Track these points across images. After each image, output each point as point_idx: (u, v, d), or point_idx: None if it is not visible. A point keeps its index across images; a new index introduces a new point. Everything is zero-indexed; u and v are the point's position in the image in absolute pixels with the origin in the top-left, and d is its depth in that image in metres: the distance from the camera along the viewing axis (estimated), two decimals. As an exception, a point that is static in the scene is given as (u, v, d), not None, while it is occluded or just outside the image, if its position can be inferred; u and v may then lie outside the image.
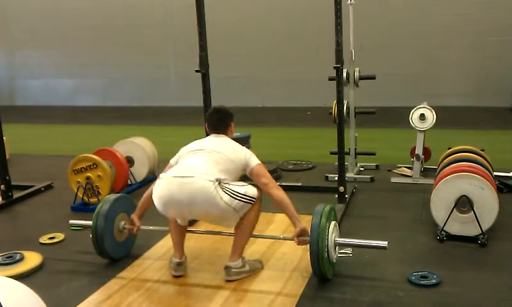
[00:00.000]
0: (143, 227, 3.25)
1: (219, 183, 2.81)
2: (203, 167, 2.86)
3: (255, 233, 3.06)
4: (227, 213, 2.86)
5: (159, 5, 10.02)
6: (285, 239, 3.15)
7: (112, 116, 9.58)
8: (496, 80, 8.37)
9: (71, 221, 3.59)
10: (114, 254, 3.28)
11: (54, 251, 3.52)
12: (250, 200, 2.93)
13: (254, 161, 3.03)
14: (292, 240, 2.93)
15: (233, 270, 2.97)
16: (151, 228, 3.36)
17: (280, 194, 2.97)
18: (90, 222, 3.24)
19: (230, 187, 2.85)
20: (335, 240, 2.93)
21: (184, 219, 3.04)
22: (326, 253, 2.83)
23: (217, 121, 3.17)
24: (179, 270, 3.07)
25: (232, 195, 2.84)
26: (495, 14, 8.24)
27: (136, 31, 9.99)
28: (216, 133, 3.15)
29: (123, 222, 3.31)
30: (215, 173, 2.83)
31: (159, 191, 2.89)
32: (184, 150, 3.11)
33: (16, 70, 11.74)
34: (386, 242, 2.88)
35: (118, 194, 3.40)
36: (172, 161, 3.11)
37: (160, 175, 2.97)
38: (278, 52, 9.15)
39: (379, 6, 8.47)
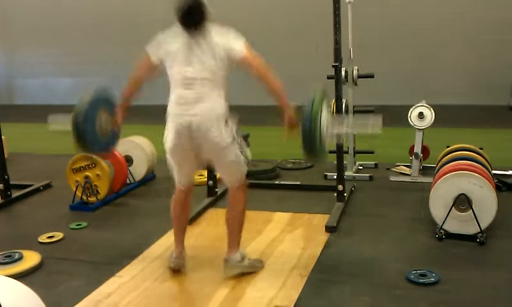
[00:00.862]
0: (125, 125, 3.19)
1: (224, 118, 2.77)
2: (204, 94, 2.75)
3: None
4: (229, 151, 2.82)
5: (158, 3, 10.00)
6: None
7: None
8: (495, 78, 8.37)
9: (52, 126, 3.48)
10: (96, 146, 3.20)
11: (53, 250, 3.51)
12: (246, 157, 2.90)
13: (239, 52, 2.76)
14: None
15: (231, 263, 2.97)
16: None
17: (265, 70, 2.83)
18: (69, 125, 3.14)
19: (237, 134, 2.85)
20: (327, 127, 2.86)
21: (188, 162, 2.94)
22: (319, 138, 2.77)
23: (192, 18, 2.75)
24: (178, 265, 3.09)
25: (237, 142, 2.84)
26: (493, 12, 8.23)
27: (135, 29, 9.96)
28: (188, 30, 2.77)
29: (104, 117, 3.19)
30: (220, 103, 2.79)
31: (169, 138, 2.86)
32: (173, 71, 2.84)
33: (15, 69, 11.72)
34: (379, 127, 2.86)
35: (97, 91, 3.29)
36: (152, 55, 2.91)
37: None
38: (277, 50, 9.13)
39: (377, 4, 8.46)
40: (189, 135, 2.77)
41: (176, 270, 3.07)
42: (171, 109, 2.86)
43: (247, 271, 3.00)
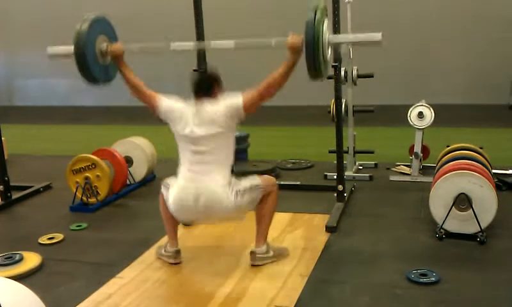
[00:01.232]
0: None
1: (229, 185, 2.91)
2: (210, 171, 2.91)
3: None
4: (241, 210, 3.00)
5: (157, 4, 10.00)
6: (278, 44, 3.01)
7: (111, 116, 9.56)
8: (495, 77, 8.36)
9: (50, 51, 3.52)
10: (97, 74, 3.24)
11: (53, 252, 3.51)
12: (257, 188, 3.01)
13: (238, 101, 2.92)
14: (285, 41, 2.88)
15: (258, 255, 3.10)
16: (136, 46, 3.38)
17: (266, 81, 2.92)
18: (71, 47, 3.18)
19: (239, 185, 2.95)
20: (328, 37, 2.91)
21: (190, 221, 3.25)
22: (322, 51, 2.80)
23: (203, 87, 3.01)
24: (178, 258, 3.19)
25: (242, 193, 2.94)
26: (493, 11, 8.23)
27: (134, 30, 9.96)
28: (199, 99, 2.98)
29: (105, 44, 3.27)
30: (223, 172, 2.92)
31: (175, 201, 2.96)
32: (179, 129, 2.99)
33: (15, 70, 11.72)
34: (380, 34, 2.86)
35: (97, 16, 3.33)
36: (163, 104, 3.06)
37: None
38: (276, 50, 9.14)
39: (377, 4, 8.46)
40: (194, 205, 2.91)
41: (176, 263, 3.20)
42: (180, 178, 2.99)
43: (274, 260, 3.13)
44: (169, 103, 3.06)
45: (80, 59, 3.16)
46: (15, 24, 11.29)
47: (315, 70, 2.81)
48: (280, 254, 3.19)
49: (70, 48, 3.19)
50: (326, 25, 2.92)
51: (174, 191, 2.97)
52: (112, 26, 3.44)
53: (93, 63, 3.21)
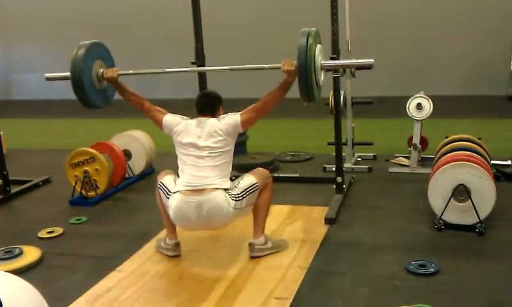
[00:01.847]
0: (121, 76, 3.34)
1: (228, 192, 2.96)
2: (212, 177, 2.96)
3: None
4: (241, 214, 3.08)
5: (157, 28, 9.98)
6: (271, 68, 3.13)
7: (110, 109, 9.51)
8: (493, 68, 8.36)
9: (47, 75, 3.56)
10: (94, 99, 3.34)
11: (53, 245, 3.52)
12: (254, 188, 3.04)
13: (236, 117, 3.06)
14: (279, 68, 3.03)
15: (256, 246, 3.13)
16: (130, 71, 3.41)
17: (263, 99, 3.08)
18: (68, 73, 3.24)
19: (236, 188, 3.01)
20: (321, 63, 3.02)
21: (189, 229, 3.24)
22: (314, 76, 2.91)
23: (206, 105, 3.17)
24: (177, 250, 3.22)
25: (241, 197, 2.99)
26: (491, 2, 8.21)
27: (133, 24, 9.94)
28: (203, 116, 3.12)
29: (101, 70, 3.33)
30: (223, 180, 2.99)
31: (176, 211, 2.97)
32: (181, 138, 3.08)
33: (13, 64, 11.69)
34: (372, 60, 2.99)
35: (93, 41, 3.38)
36: (167, 120, 3.16)
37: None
38: (274, 42, 9.13)
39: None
40: (197, 215, 2.93)
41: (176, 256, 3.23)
42: (180, 185, 3.01)
43: (272, 252, 3.15)
44: (172, 118, 3.17)
45: (77, 85, 3.20)
46: (13, 18, 11.25)
47: (307, 94, 2.93)
48: (279, 246, 3.21)
49: (67, 74, 3.23)
50: (319, 50, 3.01)
51: (175, 201, 2.97)
52: (109, 51, 3.48)
53: (90, 89, 3.26)
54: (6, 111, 9.47)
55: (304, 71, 2.86)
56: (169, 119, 3.17)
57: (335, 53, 3.90)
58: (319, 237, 3.38)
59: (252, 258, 3.12)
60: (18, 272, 2.90)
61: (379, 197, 4.14)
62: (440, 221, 3.37)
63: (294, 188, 4.44)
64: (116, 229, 3.79)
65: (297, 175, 4.77)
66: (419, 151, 4.71)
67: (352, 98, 4.93)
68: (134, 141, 4.95)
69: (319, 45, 3.02)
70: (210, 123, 3.06)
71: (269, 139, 6.36)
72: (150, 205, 4.15)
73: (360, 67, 3.09)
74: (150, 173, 5.07)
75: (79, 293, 2.83)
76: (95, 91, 3.31)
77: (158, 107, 3.27)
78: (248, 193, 3.02)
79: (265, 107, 3.08)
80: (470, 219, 3.32)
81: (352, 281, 2.82)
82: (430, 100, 4.61)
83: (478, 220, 3.29)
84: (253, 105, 3.08)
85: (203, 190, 2.92)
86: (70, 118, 9.05)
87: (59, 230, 3.74)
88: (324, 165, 4.94)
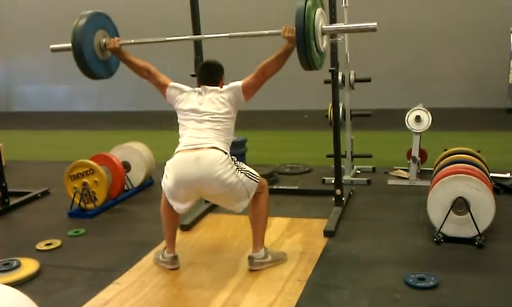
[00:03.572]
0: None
1: (229, 158, 2.93)
2: (211, 138, 2.95)
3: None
4: (238, 188, 2.94)
5: (155, 9, 10.02)
6: (271, 34, 3.08)
7: (109, 121, 9.57)
8: (491, 81, 8.40)
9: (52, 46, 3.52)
10: (97, 70, 3.30)
11: (51, 258, 3.51)
12: (255, 178, 3.02)
13: (237, 84, 3.06)
14: (279, 34, 2.97)
15: (256, 260, 3.11)
16: (132, 40, 3.37)
17: (262, 63, 3.04)
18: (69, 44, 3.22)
19: (238, 163, 3.00)
20: (322, 27, 2.90)
21: (187, 199, 3.04)
22: (314, 42, 2.79)
23: (208, 75, 3.15)
24: (176, 263, 3.19)
25: (241, 170, 2.96)
26: (488, 16, 8.27)
27: (132, 35, 9.97)
28: (204, 85, 3.12)
29: (104, 40, 3.31)
30: (223, 144, 2.97)
31: (174, 167, 2.93)
32: (182, 105, 3.09)
33: (13, 76, 11.72)
34: (376, 23, 2.90)
35: (95, 11, 3.34)
36: (171, 89, 3.17)
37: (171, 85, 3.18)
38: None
39: (373, 8, 8.48)
40: (195, 169, 2.88)
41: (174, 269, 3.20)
42: (180, 146, 3.01)
43: (272, 265, 3.13)
44: (176, 86, 3.18)
45: (78, 56, 3.18)
46: (13, 31, 11.29)
47: (306, 61, 2.82)
48: (279, 259, 3.19)
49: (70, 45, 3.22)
50: (319, 14, 2.89)
51: (173, 158, 2.96)
52: (112, 21, 3.44)
53: (92, 59, 3.23)
54: (6, 123, 9.49)
55: (303, 36, 2.74)
56: (173, 88, 3.17)
57: (334, 66, 3.92)
58: (318, 250, 3.37)
59: (251, 271, 3.10)
60: (16, 284, 2.88)
61: (378, 210, 4.13)
62: (439, 234, 3.37)
63: (293, 201, 4.43)
64: (115, 241, 3.78)
65: (296, 187, 4.76)
66: (418, 163, 4.71)
67: (351, 110, 4.94)
68: (134, 152, 4.95)
69: (319, 9, 2.92)
70: (212, 91, 3.07)
71: (268, 151, 6.37)
72: (149, 217, 4.16)
73: (363, 30, 3.00)
74: (149, 185, 5.07)
75: (77, 306, 2.81)
76: (97, 61, 3.29)
77: (162, 75, 3.27)
78: (246, 173, 2.98)
79: (264, 72, 3.03)
80: (469, 232, 3.31)
81: (352, 294, 2.81)
82: (429, 113, 4.63)
83: (477, 233, 3.28)
84: (253, 72, 3.06)
85: (201, 148, 2.91)
86: (69, 130, 9.07)
87: (57, 242, 3.72)
88: (323, 178, 4.93)
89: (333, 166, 4.08)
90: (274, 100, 9.45)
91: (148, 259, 3.38)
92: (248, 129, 6.63)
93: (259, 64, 3.05)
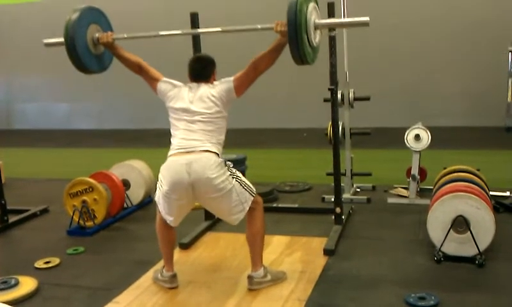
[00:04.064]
0: (117, 40, 3.29)
1: (222, 162, 2.92)
2: (203, 140, 2.94)
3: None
4: (232, 197, 2.92)
5: (155, 28, 10.09)
6: (264, 29, 3.03)
7: (109, 139, 9.59)
8: (490, 100, 8.43)
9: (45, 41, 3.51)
10: (90, 64, 3.28)
11: (50, 276, 3.49)
12: (250, 190, 3.00)
13: (229, 81, 3.01)
14: (272, 29, 2.92)
15: (255, 279, 3.08)
16: (125, 35, 3.35)
17: (254, 59, 2.99)
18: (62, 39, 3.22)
19: (233, 169, 2.99)
20: (314, 21, 2.88)
21: (181, 208, 3.03)
22: (306, 35, 2.77)
23: (200, 70, 3.11)
24: (174, 282, 3.17)
25: (236, 178, 2.95)
26: (487, 35, 8.32)
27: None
28: (197, 82, 3.09)
29: (97, 34, 3.29)
30: (215, 145, 2.96)
31: (167, 171, 2.94)
32: (173, 103, 3.06)
33: (14, 94, 11.76)
34: (368, 18, 2.87)
35: (88, 5, 3.33)
36: (162, 84, 3.14)
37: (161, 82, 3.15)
38: (274, 72, 9.24)
39: (372, 28, 8.54)
40: (187, 173, 2.86)
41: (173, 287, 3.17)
42: (171, 150, 3.01)
43: (271, 284, 3.11)
44: (167, 82, 3.15)
45: (71, 49, 3.17)
46: (14, 49, 11.36)
47: (298, 54, 2.80)
48: (278, 278, 3.17)
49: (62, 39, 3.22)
50: (312, 8, 2.88)
51: (166, 162, 2.96)
52: (106, 16, 3.44)
53: (84, 53, 3.23)
54: (6, 140, 9.50)
55: (294, 29, 2.71)
56: (164, 83, 3.14)
57: (333, 84, 3.94)
58: (318, 269, 3.35)
59: (250, 290, 3.08)
60: (14, 302, 2.87)
61: (378, 228, 4.12)
62: (440, 253, 3.35)
63: (293, 219, 4.42)
64: (114, 259, 3.76)
65: (296, 206, 4.76)
66: (418, 182, 4.71)
67: (350, 128, 4.95)
68: (133, 170, 4.95)
69: (312, 3, 2.90)
70: (203, 88, 3.03)
71: (268, 169, 6.37)
72: (148, 235, 4.14)
73: (355, 24, 2.99)
74: (148, 203, 5.06)
75: (75, 325, 2.79)
76: (89, 55, 3.27)
77: (154, 70, 3.24)
78: (242, 183, 2.96)
79: (256, 68, 2.98)
80: (469, 251, 3.30)
81: (352, 313, 2.79)
82: (428, 131, 4.64)
83: (478, 252, 3.27)
84: (244, 68, 3.01)
85: (193, 151, 2.89)
86: (69, 148, 9.08)
87: (56, 260, 3.71)
88: (323, 196, 4.93)
89: (333, 184, 4.08)
90: (274, 118, 9.50)
91: (146, 278, 3.36)
92: (248, 147, 6.65)
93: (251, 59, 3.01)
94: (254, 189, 3.06)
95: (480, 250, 3.26)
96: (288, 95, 9.22)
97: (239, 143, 6.87)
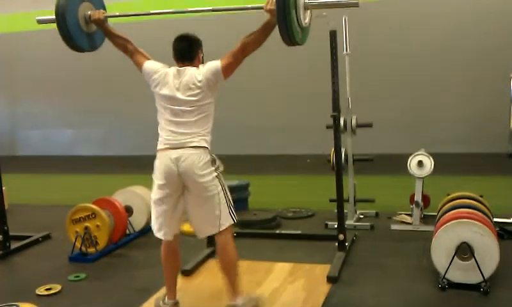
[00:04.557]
0: (110, 20, 3.25)
1: (210, 158, 2.92)
2: (191, 134, 2.91)
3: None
4: (212, 202, 2.92)
5: (156, 55, 10.20)
6: (253, 8, 3.00)
7: (112, 166, 9.60)
8: (493, 126, 8.43)
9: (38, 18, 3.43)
10: (80, 42, 3.25)
11: (51, 303, 3.46)
12: (233, 214, 2.99)
13: (216, 64, 2.93)
14: (262, 8, 2.86)
15: None
16: (117, 13, 3.33)
17: (240, 43, 2.91)
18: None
19: (221, 176, 2.97)
20: (304, 1, 2.84)
21: (173, 206, 3.00)
22: (295, 13, 2.72)
23: (184, 49, 3.01)
24: None
25: (223, 188, 2.95)
26: (488, 61, 8.38)
27: (134, 82, 10.12)
28: (181, 64, 3.00)
29: (89, 12, 3.26)
30: (203, 138, 2.93)
31: (158, 167, 2.94)
32: (158, 89, 3.00)
33: (18, 121, 11.85)
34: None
35: None
36: (146, 66, 3.08)
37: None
38: (276, 99, 9.28)
39: (375, 55, 8.62)
40: (176, 170, 2.88)
41: None
42: (160, 143, 2.98)
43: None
44: (152, 65, 3.08)
45: (62, 27, 3.16)
46: (18, 76, 11.50)
47: (287, 35, 2.75)
48: (258, 301, 3.10)
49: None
50: None
51: (157, 158, 2.96)
52: None
53: (76, 31, 3.22)
54: (9, 167, 9.50)
55: (282, 8, 2.67)
56: (149, 65, 3.07)
57: (336, 111, 3.97)
58: (321, 296, 3.32)
59: None
60: (14, 330, 2.84)
61: (382, 255, 4.09)
62: (444, 280, 3.32)
63: (296, 246, 4.40)
64: (115, 286, 3.74)
65: (299, 232, 4.73)
66: (421, 208, 4.69)
67: (353, 155, 4.96)
68: (136, 196, 4.95)
69: None
70: (189, 73, 2.94)
71: (270, 196, 6.36)
72: (150, 262, 4.12)
73: (345, 5, 2.99)
74: (150, 229, 5.02)
75: (76, 353, 2.76)
76: (80, 33, 3.25)
77: (142, 51, 3.18)
78: (226, 197, 2.96)
79: (244, 49, 2.90)
80: (474, 278, 3.27)
81: (356, 342, 2.75)
82: (431, 158, 4.64)
83: (482, 279, 3.24)
84: (232, 50, 2.92)
85: (181, 147, 2.88)
86: (72, 174, 9.09)
87: (57, 287, 3.68)
88: (326, 222, 4.91)
89: (336, 211, 4.07)
90: (277, 144, 9.52)
91: (149, 304, 3.33)
92: (250, 173, 6.65)
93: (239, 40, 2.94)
94: (235, 213, 3.01)
95: (485, 277, 3.23)
96: (291, 122, 9.25)
97: (242, 169, 6.87)
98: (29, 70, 11.25)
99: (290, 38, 2.78)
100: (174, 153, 2.88)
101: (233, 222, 3.02)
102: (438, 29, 8.61)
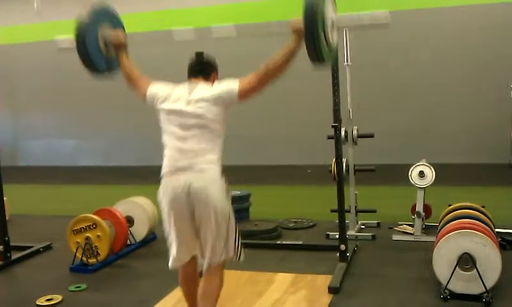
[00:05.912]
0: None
1: (221, 175, 2.70)
2: (201, 152, 2.68)
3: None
4: (221, 230, 2.69)
5: (159, 68, 10.24)
6: (279, 28, 2.84)
7: (114, 176, 9.61)
8: (495, 137, 8.44)
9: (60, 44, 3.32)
10: (99, 64, 3.14)
11: (51, 314, 3.46)
12: (239, 249, 2.77)
13: (234, 83, 2.72)
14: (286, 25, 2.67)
15: None
16: (138, 35, 3.20)
17: (264, 67, 2.68)
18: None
19: (232, 208, 2.77)
20: (332, 19, 2.68)
21: (186, 232, 2.76)
22: (323, 34, 2.58)
23: (199, 66, 2.88)
24: None
25: (233, 221, 2.75)
26: (489, 73, 8.41)
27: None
28: (194, 80, 2.84)
29: (108, 34, 3.12)
30: (213, 158, 2.70)
31: (165, 193, 2.73)
32: (165, 105, 2.80)
33: (20, 131, 11.88)
34: (388, 11, 2.71)
35: (101, 6, 3.18)
36: (150, 91, 2.89)
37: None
38: (277, 110, 9.30)
39: (375, 66, 8.65)
40: (186, 197, 2.67)
41: None
42: (166, 166, 2.75)
43: None
44: (158, 83, 2.93)
45: (81, 48, 3.06)
46: (20, 87, 11.56)
47: (315, 53, 2.59)
48: None
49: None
50: (330, 2, 2.72)
51: (162, 185, 2.74)
52: (118, 16, 3.29)
53: (95, 53, 3.10)
54: (11, 177, 9.51)
55: (310, 26, 2.53)
56: (153, 89, 2.89)
57: (337, 122, 3.97)
58: (322, 307, 3.31)
59: None
60: (15, 341, 2.83)
61: (384, 266, 4.08)
62: (446, 291, 3.31)
63: (297, 256, 4.39)
64: (116, 297, 3.72)
65: (300, 242, 4.72)
66: (423, 219, 4.69)
67: (354, 165, 4.96)
68: (137, 207, 4.95)
69: (329, 2, 2.70)
70: (201, 87, 2.76)
71: (272, 206, 6.35)
72: (151, 273, 4.11)
73: (375, 19, 2.83)
74: (151, 240, 5.04)
75: None
76: (100, 56, 3.13)
77: (145, 82, 2.97)
78: (236, 234, 2.74)
79: (267, 75, 2.68)
80: (476, 289, 3.25)
81: (357, 353, 2.74)
82: (432, 168, 4.64)
83: (484, 290, 3.22)
84: (253, 76, 2.70)
85: (190, 168, 2.65)
86: (74, 184, 9.10)
87: (58, 298, 3.67)
88: (328, 233, 4.90)
89: (338, 221, 4.06)
90: (278, 155, 9.53)
91: (150, 316, 3.31)
92: (252, 184, 6.65)
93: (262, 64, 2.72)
94: (240, 252, 2.79)
95: (487, 288, 3.22)
96: (293, 132, 9.27)
97: (244, 180, 6.87)
98: (31, 81, 11.29)
99: (318, 55, 2.60)
100: (181, 183, 2.65)
101: (235, 259, 2.78)
102: (439, 40, 8.64)
